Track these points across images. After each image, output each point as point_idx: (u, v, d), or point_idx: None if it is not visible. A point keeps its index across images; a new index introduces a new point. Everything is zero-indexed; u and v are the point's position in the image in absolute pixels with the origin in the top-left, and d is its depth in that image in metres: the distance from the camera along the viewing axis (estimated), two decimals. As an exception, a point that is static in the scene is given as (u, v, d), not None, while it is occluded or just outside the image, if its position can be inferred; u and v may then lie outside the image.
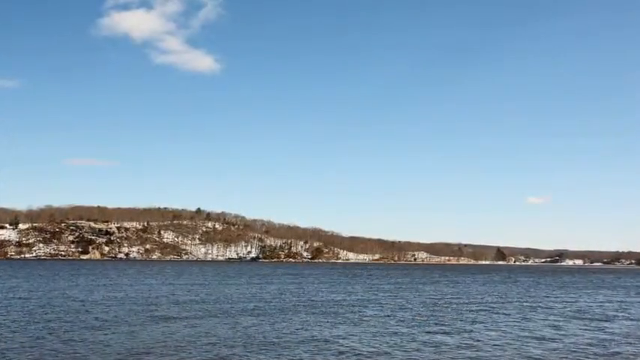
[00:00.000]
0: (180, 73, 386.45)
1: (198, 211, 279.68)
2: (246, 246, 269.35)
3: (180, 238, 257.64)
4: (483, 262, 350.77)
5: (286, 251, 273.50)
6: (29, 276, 71.89)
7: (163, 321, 27.13)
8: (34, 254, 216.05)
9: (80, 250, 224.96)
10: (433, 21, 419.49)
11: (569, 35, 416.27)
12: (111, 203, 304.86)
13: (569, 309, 38.16)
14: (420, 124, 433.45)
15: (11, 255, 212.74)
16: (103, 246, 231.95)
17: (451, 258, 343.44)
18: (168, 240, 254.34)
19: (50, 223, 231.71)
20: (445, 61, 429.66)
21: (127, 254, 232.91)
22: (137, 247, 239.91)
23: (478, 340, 22.95)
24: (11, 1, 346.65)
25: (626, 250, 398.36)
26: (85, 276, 74.67)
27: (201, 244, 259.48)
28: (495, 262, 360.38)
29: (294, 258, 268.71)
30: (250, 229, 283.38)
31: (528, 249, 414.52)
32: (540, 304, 41.43)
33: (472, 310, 35.34)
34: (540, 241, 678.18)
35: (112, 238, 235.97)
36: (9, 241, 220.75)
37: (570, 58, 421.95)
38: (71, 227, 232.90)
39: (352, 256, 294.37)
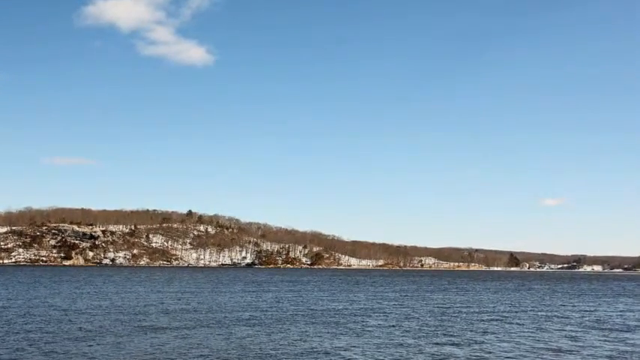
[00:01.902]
0: (170, 65, 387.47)
1: (190, 213, 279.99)
2: (240, 251, 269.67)
3: (170, 243, 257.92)
4: (495, 269, 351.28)
5: (284, 257, 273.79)
6: (8, 283, 71.92)
7: (152, 331, 27.16)
8: (12, 260, 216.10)
9: (62, 255, 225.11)
10: (439, 9, 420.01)
11: (588, 24, 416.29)
12: (95, 205, 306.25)
13: (587, 319, 38.21)
14: (426, 120, 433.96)
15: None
16: (87, 251, 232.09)
17: (461, 264, 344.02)
18: (157, 244, 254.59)
19: (30, 227, 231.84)
20: (453, 53, 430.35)
21: (112, 260, 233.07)
22: (124, 252, 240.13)
23: (489, 352, 22.98)
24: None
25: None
26: (67, 283, 74.72)
27: (192, 248, 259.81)
28: (508, 269, 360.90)
29: (293, 264, 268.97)
30: (245, 233, 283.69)
31: (544, 254, 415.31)
32: (556, 314, 41.48)
33: (483, 320, 35.40)
34: (556, 245, 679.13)
35: (96, 243, 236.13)
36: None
37: (591, 49, 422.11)
38: (53, 231, 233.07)
39: (355, 262, 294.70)
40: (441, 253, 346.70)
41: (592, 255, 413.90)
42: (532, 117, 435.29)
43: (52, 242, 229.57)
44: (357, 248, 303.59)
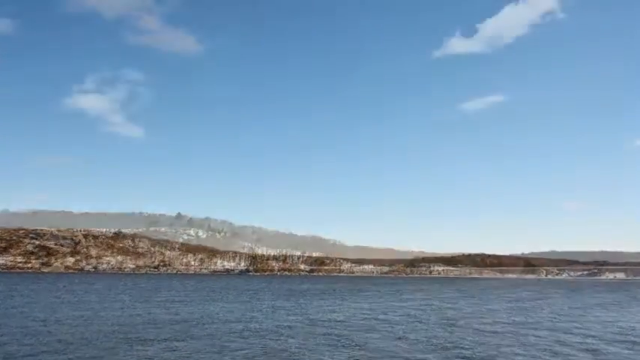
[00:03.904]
0: (158, 55, 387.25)
1: (179, 216, 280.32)
2: (234, 257, 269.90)
3: (157, 248, 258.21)
4: (510, 276, 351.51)
5: (281, 263, 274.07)
6: (-18, 291, 71.96)
7: (138, 344, 27.17)
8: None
9: (41, 261, 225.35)
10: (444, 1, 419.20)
11: (610, 25, 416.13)
12: (77, 207, 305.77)
13: (609, 330, 38.21)
14: (434, 117, 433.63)
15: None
16: (68, 256, 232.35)
17: (472, 270, 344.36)
18: (144, 249, 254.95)
19: (6, 231, 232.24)
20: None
21: (95, 266, 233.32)
22: (107, 258, 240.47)
23: (504, 367, 22.99)
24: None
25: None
26: (46, 291, 74.75)
27: (181, 254, 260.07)
28: (524, 276, 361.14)
29: (290, 271, 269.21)
30: (239, 237, 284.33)
31: (562, 260, 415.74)
32: (576, 325, 41.49)
33: (496, 332, 35.40)
34: (576, 251, 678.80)
35: (78, 248, 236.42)
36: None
37: (617, 47, 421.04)
38: (31, 235, 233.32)
39: (357, 269, 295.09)
40: (451, 260, 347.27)
41: (615, 261, 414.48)
42: (551, 117, 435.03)
43: (30, 247, 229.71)
44: (360, 254, 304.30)
